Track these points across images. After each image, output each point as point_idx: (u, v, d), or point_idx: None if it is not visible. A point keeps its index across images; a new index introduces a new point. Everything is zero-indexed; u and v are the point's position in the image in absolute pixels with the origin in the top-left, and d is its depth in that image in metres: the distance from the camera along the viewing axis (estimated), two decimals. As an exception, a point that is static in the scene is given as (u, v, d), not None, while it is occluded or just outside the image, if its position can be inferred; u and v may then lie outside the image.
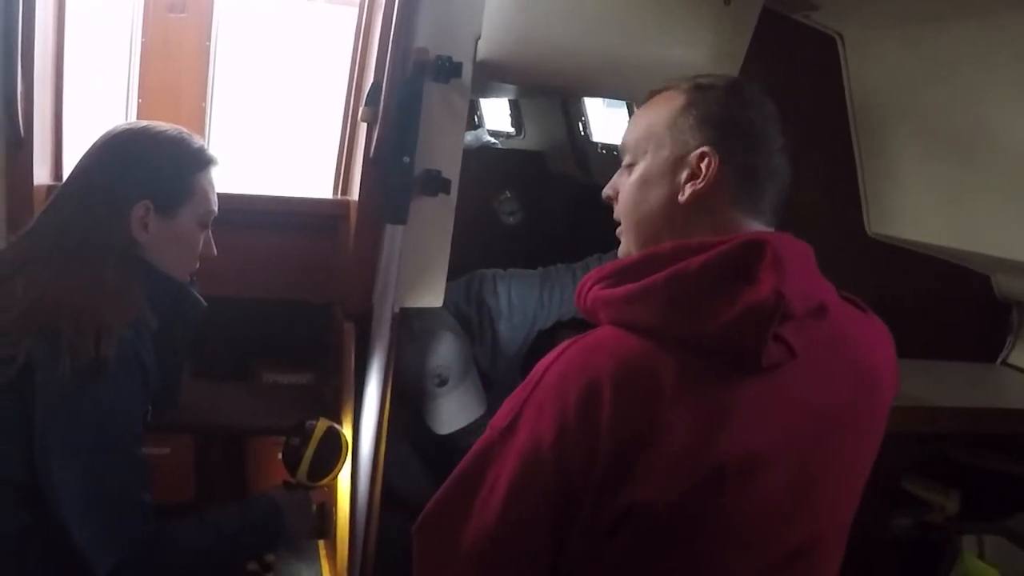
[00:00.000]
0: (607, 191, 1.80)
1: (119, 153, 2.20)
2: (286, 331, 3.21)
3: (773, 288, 1.46)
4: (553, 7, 2.61)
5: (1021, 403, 3.16)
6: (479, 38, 2.60)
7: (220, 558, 2.16)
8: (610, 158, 5.04)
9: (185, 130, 2.29)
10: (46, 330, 1.91)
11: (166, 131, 2.24)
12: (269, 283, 2.99)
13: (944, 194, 2.99)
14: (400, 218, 2.60)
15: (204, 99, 3.71)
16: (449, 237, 2.73)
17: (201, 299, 2.34)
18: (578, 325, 1.71)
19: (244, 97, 4.24)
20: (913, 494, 3.20)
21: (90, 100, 2.86)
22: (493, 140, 6.30)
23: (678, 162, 1.65)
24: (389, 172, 2.60)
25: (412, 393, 3.22)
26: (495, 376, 3.53)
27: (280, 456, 2.45)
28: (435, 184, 2.62)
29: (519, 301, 3.54)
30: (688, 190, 1.62)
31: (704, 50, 2.76)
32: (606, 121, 5.26)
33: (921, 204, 3.10)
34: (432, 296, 2.77)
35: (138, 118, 3.40)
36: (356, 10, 3.15)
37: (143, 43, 3.58)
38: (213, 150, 2.31)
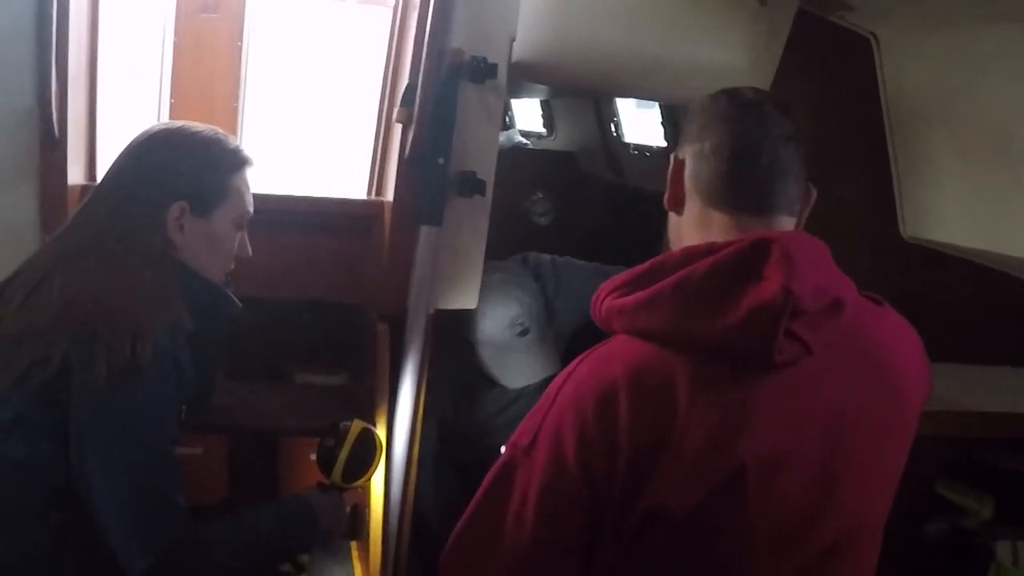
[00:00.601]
0: None
1: (155, 153, 2.20)
2: (319, 332, 3.21)
3: (780, 284, 1.46)
4: (588, 8, 2.61)
5: (1058, 408, 3.13)
6: (514, 39, 2.60)
7: (254, 559, 2.15)
8: (642, 159, 5.04)
9: (221, 131, 2.30)
10: (82, 332, 1.92)
11: (202, 132, 2.25)
12: (302, 284, 2.99)
13: (980, 197, 2.97)
14: (435, 219, 2.60)
15: (236, 99, 3.71)
16: (484, 238, 2.72)
17: (236, 300, 2.34)
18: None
19: (276, 97, 4.23)
20: (948, 499, 3.18)
21: (123, 100, 2.87)
22: (525, 140, 6.31)
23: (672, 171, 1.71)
24: (424, 173, 2.60)
25: (488, 344, 3.27)
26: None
27: (313, 457, 2.44)
28: (470, 185, 2.61)
29: (573, 284, 3.53)
30: (667, 207, 1.71)
31: (739, 51, 2.75)
32: (638, 122, 5.25)
33: (957, 207, 3.08)
34: (467, 297, 2.77)
35: (170, 118, 3.41)
36: (388, 10, 3.15)
37: (175, 43, 3.58)
38: (246, 150, 2.31)
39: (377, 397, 2.77)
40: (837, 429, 1.53)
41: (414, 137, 2.60)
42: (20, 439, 1.92)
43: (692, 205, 1.66)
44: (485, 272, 2.81)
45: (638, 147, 5.14)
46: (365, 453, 2.43)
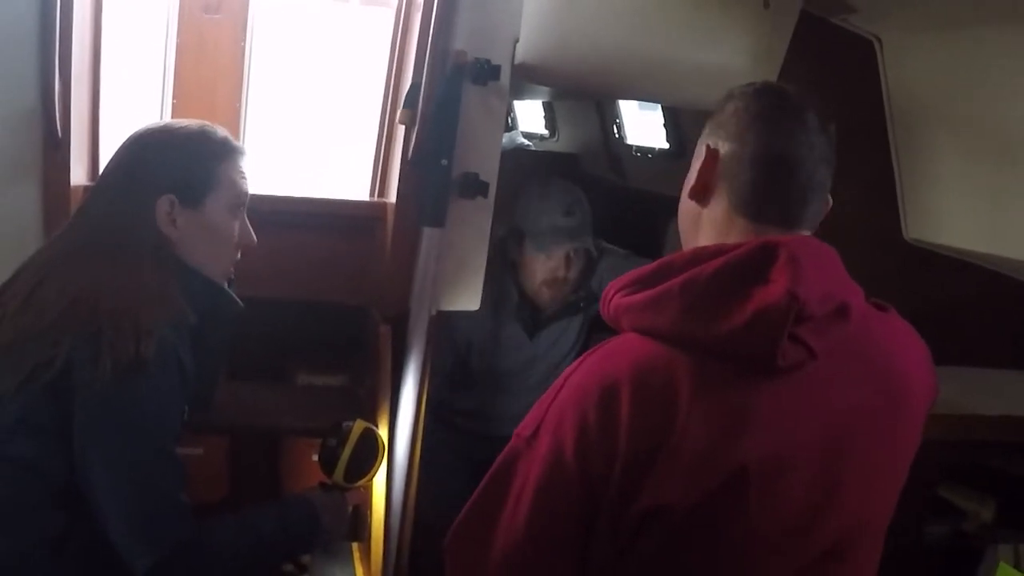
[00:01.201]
0: None
1: (139, 151, 2.21)
2: (321, 332, 3.22)
3: (786, 289, 1.46)
4: (592, 10, 2.61)
5: (1060, 411, 3.13)
6: (517, 41, 2.60)
7: (256, 559, 2.16)
8: (644, 160, 5.03)
9: (209, 124, 2.29)
10: (86, 331, 1.92)
11: (186, 126, 2.25)
12: (304, 284, 3.00)
13: (983, 200, 2.97)
14: (438, 221, 2.59)
15: (239, 99, 3.71)
16: (487, 240, 2.72)
17: (238, 300, 2.33)
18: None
19: (279, 98, 4.23)
20: (949, 501, 3.18)
21: (126, 101, 2.87)
22: (527, 142, 6.31)
23: (697, 159, 1.70)
24: (427, 175, 2.59)
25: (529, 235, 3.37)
26: None
27: (315, 458, 2.44)
28: (473, 187, 2.61)
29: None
30: (692, 184, 1.68)
31: (743, 53, 2.75)
32: (640, 124, 5.24)
33: (959, 210, 3.08)
34: (469, 299, 2.77)
35: (173, 118, 3.42)
36: (390, 11, 3.16)
37: (178, 43, 3.58)
38: (245, 145, 2.31)
39: (379, 398, 2.77)
40: (840, 433, 1.53)
41: (417, 138, 2.60)
42: (23, 439, 1.92)
43: (718, 204, 1.65)
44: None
45: (640, 149, 5.13)
46: (367, 453, 2.43)
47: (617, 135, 5.36)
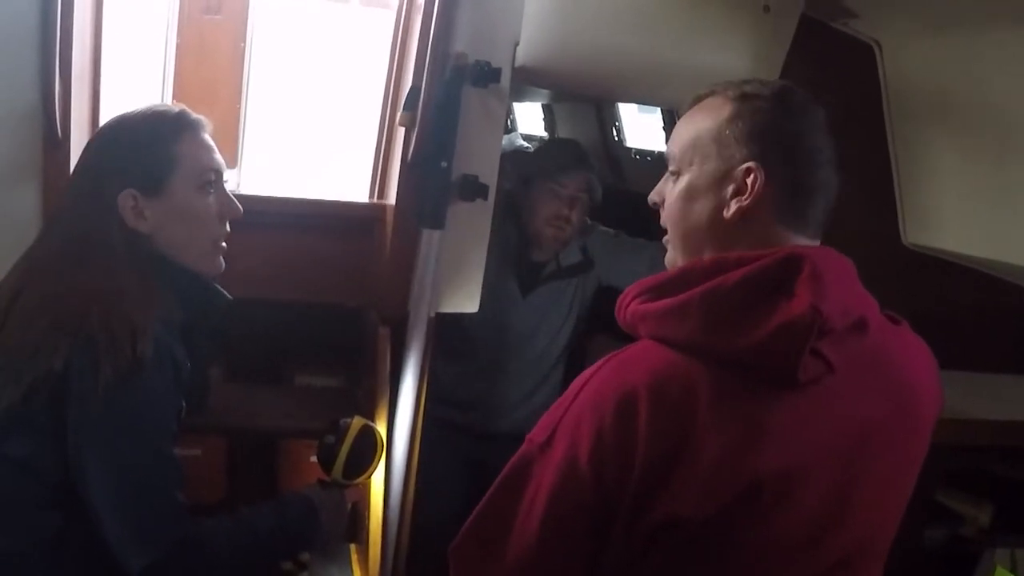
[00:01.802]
0: (653, 197, 1.75)
1: (93, 150, 2.16)
2: (320, 334, 3.21)
3: (810, 303, 1.44)
4: (592, 13, 2.61)
5: (1058, 416, 3.13)
6: (518, 43, 2.60)
7: (255, 558, 2.14)
8: (644, 163, 5.04)
9: (161, 104, 2.21)
10: (80, 338, 1.89)
11: (138, 112, 2.17)
12: (303, 286, 2.99)
13: (982, 204, 2.97)
14: (438, 223, 2.59)
15: (239, 100, 3.72)
16: (486, 242, 2.72)
17: (225, 292, 2.28)
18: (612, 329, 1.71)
19: (279, 98, 4.24)
20: (947, 506, 3.19)
21: (127, 100, 2.87)
22: (526, 144, 6.31)
23: (724, 176, 1.61)
24: (427, 177, 2.59)
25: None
26: None
27: (313, 459, 2.44)
28: (473, 189, 2.61)
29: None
30: (734, 206, 1.59)
31: (743, 57, 2.76)
32: (640, 126, 5.25)
33: (958, 214, 3.08)
34: (468, 301, 2.77)
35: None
36: (390, 12, 3.16)
37: (179, 44, 3.59)
38: (191, 113, 2.20)
39: (377, 400, 2.77)
40: (855, 446, 1.53)
41: (417, 140, 2.60)
42: (18, 439, 1.90)
43: (758, 221, 1.59)
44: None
45: (639, 151, 5.15)
46: (366, 449, 2.41)
47: (616, 137, 5.37)
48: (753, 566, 1.50)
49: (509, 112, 6.39)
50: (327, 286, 3.01)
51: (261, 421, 2.88)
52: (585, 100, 5.49)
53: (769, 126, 1.60)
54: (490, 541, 1.56)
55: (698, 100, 1.71)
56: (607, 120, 5.40)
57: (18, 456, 1.90)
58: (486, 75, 2.55)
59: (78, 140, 2.58)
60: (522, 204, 3.43)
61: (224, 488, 2.88)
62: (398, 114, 2.71)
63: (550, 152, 3.49)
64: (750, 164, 1.58)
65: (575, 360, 3.61)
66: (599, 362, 1.58)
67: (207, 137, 2.20)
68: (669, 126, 4.58)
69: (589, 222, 3.57)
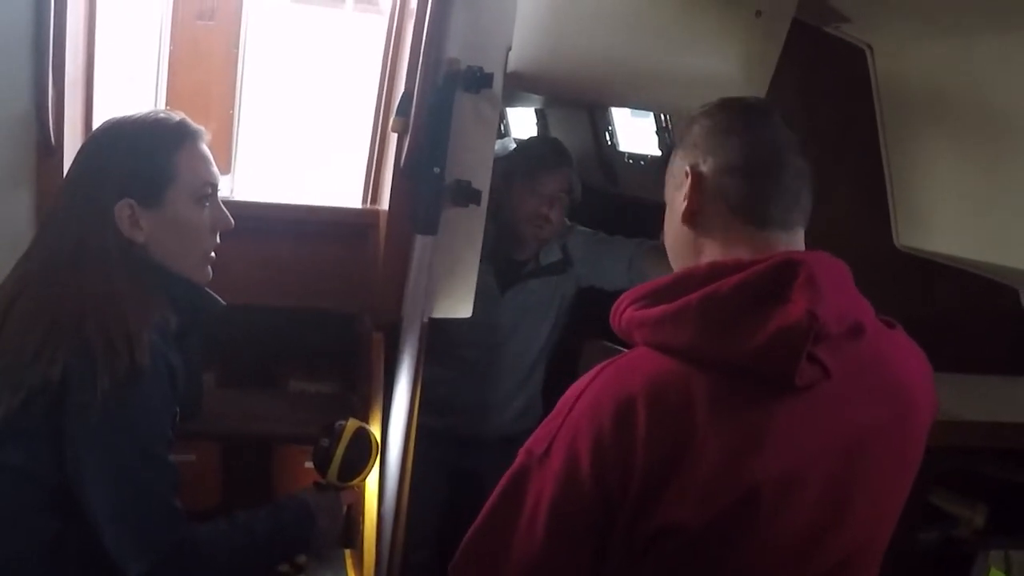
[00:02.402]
0: None
1: (89, 156, 2.14)
2: (313, 339, 3.21)
3: (806, 309, 1.45)
4: (584, 18, 2.61)
5: (1050, 418, 3.14)
6: (510, 49, 2.60)
7: (252, 561, 2.15)
8: (636, 168, 5.03)
9: (163, 111, 2.21)
10: (77, 347, 1.89)
11: (136, 119, 2.15)
12: (297, 291, 2.99)
13: (974, 207, 2.97)
14: (431, 229, 2.59)
15: (233, 106, 3.71)
16: (479, 247, 2.73)
17: (218, 298, 2.28)
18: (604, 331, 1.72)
19: (273, 103, 4.24)
20: (940, 508, 3.19)
21: (120, 107, 2.87)
22: (519, 149, 6.30)
23: (679, 187, 1.70)
24: (420, 182, 2.59)
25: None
26: None
27: (308, 464, 2.44)
28: (465, 195, 2.61)
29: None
30: (683, 210, 1.67)
31: (735, 61, 2.76)
32: (632, 131, 5.25)
33: (950, 217, 3.08)
34: (462, 306, 2.77)
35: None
36: (383, 17, 3.16)
37: (171, 50, 3.58)
38: (191, 123, 2.19)
39: (371, 405, 2.77)
40: (852, 451, 1.54)
41: (409, 146, 2.60)
42: (13, 445, 1.91)
43: (715, 220, 1.65)
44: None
45: (632, 156, 5.14)
46: (361, 451, 2.42)
47: (609, 142, 5.36)
48: (752, 570, 1.50)
49: (502, 117, 6.38)
50: (320, 291, 3.01)
51: (255, 426, 2.88)
52: (578, 105, 5.48)
53: (710, 130, 1.68)
54: (491, 555, 1.57)
55: None
56: (600, 125, 5.39)
57: (16, 461, 1.91)
58: (479, 80, 2.55)
59: (71, 147, 2.57)
60: (502, 202, 3.42)
61: (219, 493, 2.88)
62: (391, 120, 2.71)
63: (530, 150, 3.52)
64: (686, 167, 1.67)
65: (567, 365, 3.61)
66: (594, 370, 1.59)
67: (205, 148, 2.20)
68: (662, 131, 4.58)
69: (569, 223, 3.58)
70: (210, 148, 2.22)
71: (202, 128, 2.20)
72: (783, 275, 1.51)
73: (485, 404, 3.51)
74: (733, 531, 1.46)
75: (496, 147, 2.90)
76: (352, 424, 2.43)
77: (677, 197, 1.70)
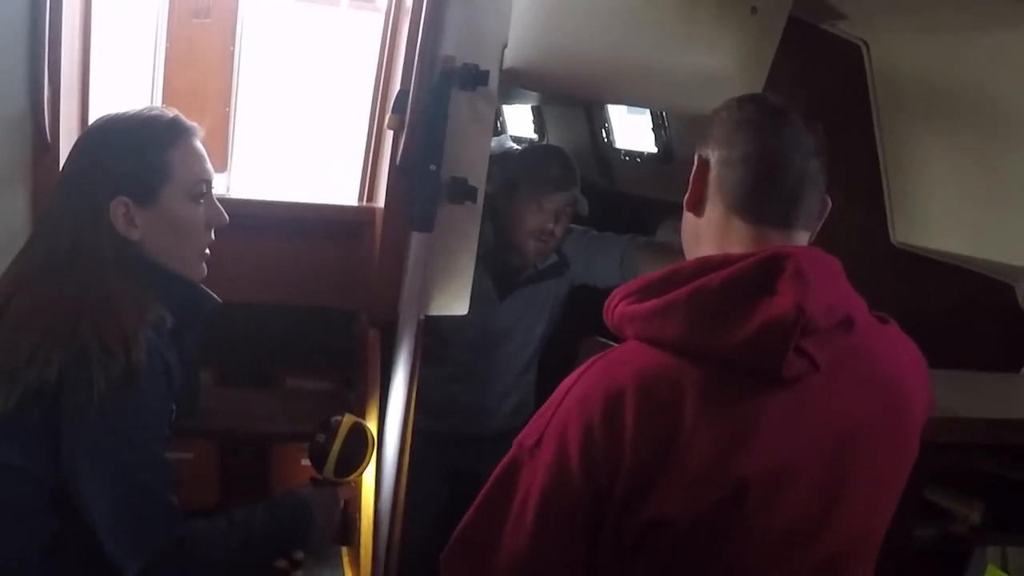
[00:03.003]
0: None
1: (83, 154, 2.13)
2: (310, 337, 3.21)
3: (793, 301, 1.47)
4: (580, 15, 2.61)
5: (1046, 413, 3.14)
6: (506, 46, 2.60)
7: (250, 557, 2.14)
8: (633, 164, 5.04)
9: (157, 108, 2.19)
10: (72, 348, 1.89)
11: (130, 116, 2.13)
12: (293, 289, 2.99)
13: (969, 204, 2.98)
14: (427, 226, 2.59)
15: (229, 104, 3.71)
16: (475, 245, 2.72)
17: (214, 295, 2.28)
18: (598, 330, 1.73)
19: (269, 102, 4.24)
20: (936, 504, 3.19)
21: (116, 106, 2.88)
22: (516, 146, 6.31)
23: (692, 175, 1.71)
24: (416, 180, 2.59)
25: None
26: None
27: (304, 462, 2.44)
28: (461, 192, 2.60)
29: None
30: (686, 206, 1.71)
31: (730, 58, 2.76)
32: (629, 128, 5.25)
33: (946, 213, 3.09)
34: (458, 303, 2.77)
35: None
36: (379, 15, 3.15)
37: (168, 48, 3.58)
38: (185, 120, 2.18)
39: (368, 403, 2.77)
40: (842, 445, 1.54)
41: (405, 143, 2.60)
42: (14, 444, 1.90)
43: (714, 210, 1.67)
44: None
45: (629, 153, 5.15)
46: (357, 447, 2.41)
47: (605, 139, 5.38)
48: (742, 564, 1.51)
49: (498, 114, 6.39)
50: (317, 289, 3.01)
51: (252, 424, 2.88)
52: (574, 102, 5.49)
53: (721, 124, 1.69)
54: (481, 546, 1.58)
55: None
56: (596, 122, 5.40)
57: (14, 461, 1.91)
58: (474, 78, 2.55)
59: (67, 146, 2.56)
60: (505, 211, 3.42)
61: (216, 491, 2.88)
62: (387, 117, 2.70)
63: (539, 163, 3.44)
64: (698, 154, 1.70)
65: (565, 363, 3.62)
66: (586, 363, 1.60)
67: (199, 145, 2.19)
68: (658, 128, 4.58)
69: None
70: (204, 145, 2.21)
71: (196, 125, 2.19)
72: (770, 269, 1.52)
73: (481, 404, 3.51)
74: (723, 524, 1.47)
75: (492, 144, 2.90)
76: (348, 419, 2.43)
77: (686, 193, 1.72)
